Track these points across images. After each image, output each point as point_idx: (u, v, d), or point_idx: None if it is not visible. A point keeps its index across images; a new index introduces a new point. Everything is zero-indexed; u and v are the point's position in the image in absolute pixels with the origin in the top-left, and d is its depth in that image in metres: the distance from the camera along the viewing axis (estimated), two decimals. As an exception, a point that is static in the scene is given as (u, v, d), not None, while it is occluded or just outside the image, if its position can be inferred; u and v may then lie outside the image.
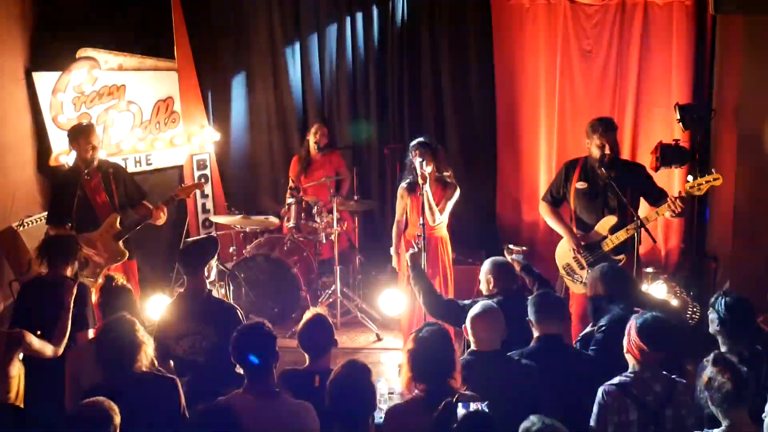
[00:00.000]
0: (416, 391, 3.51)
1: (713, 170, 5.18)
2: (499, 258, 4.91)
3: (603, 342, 4.17)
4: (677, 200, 5.14)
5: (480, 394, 3.40)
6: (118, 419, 3.18)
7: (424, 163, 5.75)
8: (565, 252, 5.61)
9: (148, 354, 3.76)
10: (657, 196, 5.39)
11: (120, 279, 4.65)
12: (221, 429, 3.19)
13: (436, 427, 3.14)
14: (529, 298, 4.21)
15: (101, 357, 3.69)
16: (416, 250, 5.12)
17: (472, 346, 3.90)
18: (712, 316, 3.99)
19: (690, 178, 5.27)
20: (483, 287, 4.84)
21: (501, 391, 3.56)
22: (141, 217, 6.03)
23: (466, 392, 3.50)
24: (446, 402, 3.19)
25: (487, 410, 3.23)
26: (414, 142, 6.01)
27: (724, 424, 3.20)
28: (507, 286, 4.71)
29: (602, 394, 3.52)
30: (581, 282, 5.47)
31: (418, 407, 3.37)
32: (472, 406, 3.26)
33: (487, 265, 4.84)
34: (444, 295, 5.85)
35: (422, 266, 5.07)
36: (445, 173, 6.01)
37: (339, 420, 3.25)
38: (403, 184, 6.11)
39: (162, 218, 6.04)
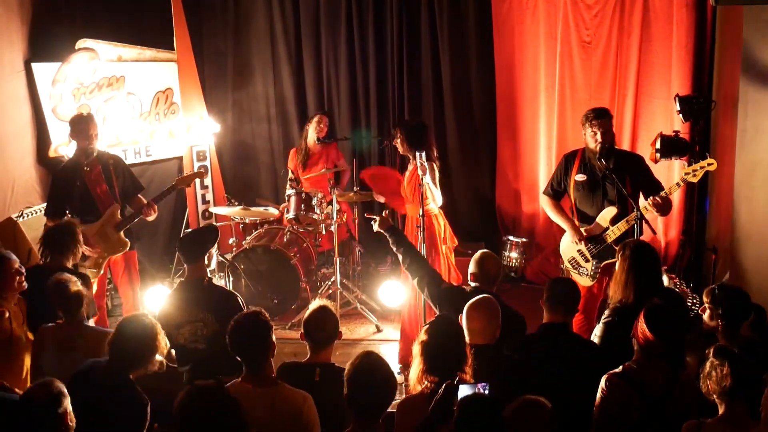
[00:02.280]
0: (426, 382, 3.50)
1: (707, 155, 5.19)
2: (483, 252, 4.81)
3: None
4: (656, 199, 5.16)
5: None
6: (67, 401, 3.16)
7: (422, 154, 5.72)
8: (569, 245, 5.60)
9: (157, 360, 3.78)
10: (652, 189, 5.38)
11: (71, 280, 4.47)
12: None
13: (436, 409, 3.13)
14: (551, 279, 4.19)
15: (114, 350, 3.68)
16: (378, 218, 5.04)
17: (467, 339, 3.89)
18: (710, 310, 4.01)
19: (684, 164, 5.28)
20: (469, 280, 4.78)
21: (494, 386, 3.56)
22: (136, 210, 6.03)
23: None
24: (446, 384, 3.18)
25: (487, 392, 3.22)
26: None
27: (721, 414, 3.21)
28: (483, 281, 4.62)
29: (605, 383, 3.54)
30: (587, 274, 5.47)
31: (430, 399, 3.36)
32: (471, 389, 3.24)
33: (472, 259, 4.78)
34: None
35: (397, 227, 5.07)
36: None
37: (358, 410, 3.23)
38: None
39: (152, 215, 6.04)
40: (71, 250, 4.98)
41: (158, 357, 3.79)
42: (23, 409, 3.14)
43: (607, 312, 4.28)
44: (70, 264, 4.99)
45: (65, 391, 3.18)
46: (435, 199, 5.72)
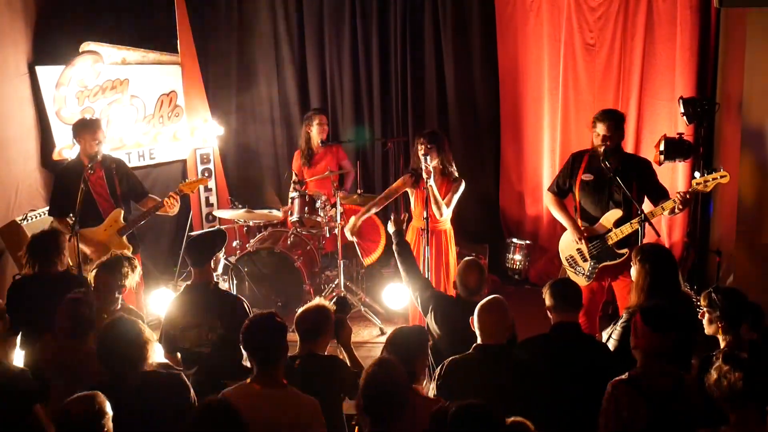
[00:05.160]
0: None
1: (721, 168, 5.13)
2: (468, 261, 4.74)
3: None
4: (684, 195, 5.12)
5: (485, 389, 3.38)
6: (109, 415, 3.13)
7: (429, 157, 5.74)
8: (568, 244, 5.60)
9: (153, 352, 3.75)
10: (658, 194, 5.37)
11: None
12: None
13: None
14: (548, 283, 4.19)
15: (105, 358, 3.62)
16: (399, 216, 5.10)
17: (478, 340, 3.89)
18: (709, 314, 4.00)
19: (697, 174, 5.21)
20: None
21: (505, 386, 3.56)
22: (148, 210, 6.02)
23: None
24: (441, 406, 3.14)
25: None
26: (419, 135, 6.02)
27: (733, 420, 3.18)
28: (463, 292, 4.58)
29: (611, 389, 3.51)
30: (583, 274, 5.47)
31: None
32: None
33: (457, 268, 4.76)
34: (445, 288, 5.87)
35: (404, 234, 5.11)
36: (450, 168, 6.00)
37: (371, 417, 3.24)
38: (409, 172, 6.14)
39: (175, 207, 6.02)
40: (56, 256, 4.95)
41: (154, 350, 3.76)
42: (62, 424, 3.09)
43: (625, 316, 4.27)
44: (60, 269, 4.97)
45: (106, 404, 3.14)
46: (439, 206, 5.75)
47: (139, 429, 3.42)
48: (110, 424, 3.14)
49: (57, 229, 5.23)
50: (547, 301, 4.11)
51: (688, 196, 5.13)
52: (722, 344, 3.95)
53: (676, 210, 5.18)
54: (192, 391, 3.70)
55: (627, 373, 3.55)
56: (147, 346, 3.66)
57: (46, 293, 4.59)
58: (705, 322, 4.04)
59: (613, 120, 5.37)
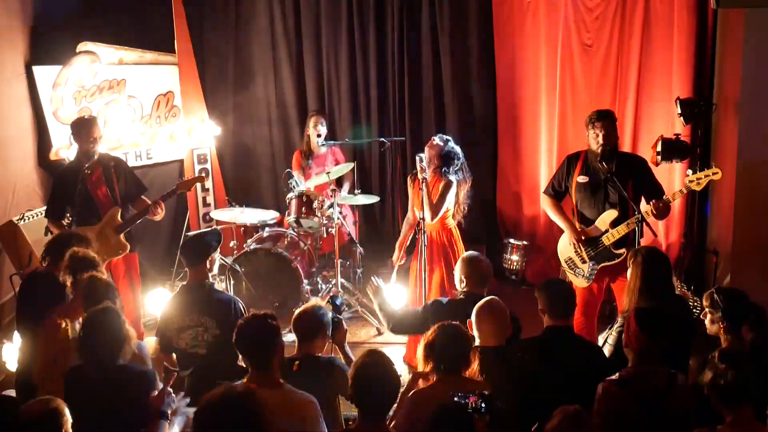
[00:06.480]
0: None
1: (713, 164, 5.18)
2: (473, 253, 4.78)
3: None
4: (657, 204, 5.14)
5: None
6: (68, 419, 3.13)
7: (424, 155, 5.73)
8: (566, 246, 5.61)
9: (131, 347, 3.79)
10: (654, 193, 5.38)
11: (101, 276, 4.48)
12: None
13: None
14: (541, 284, 4.19)
15: (85, 346, 3.68)
16: (377, 285, 4.93)
17: (476, 341, 3.89)
18: (711, 314, 4.00)
19: (689, 172, 5.26)
20: (457, 285, 4.71)
21: (504, 387, 3.56)
22: (140, 211, 6.03)
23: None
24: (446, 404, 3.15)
25: (483, 405, 3.18)
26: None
27: (728, 420, 3.18)
28: (474, 288, 4.58)
29: (602, 390, 3.50)
30: (583, 276, 5.47)
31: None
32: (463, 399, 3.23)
33: (460, 262, 4.72)
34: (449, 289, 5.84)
35: (384, 295, 4.93)
36: (446, 168, 5.95)
37: (363, 408, 3.24)
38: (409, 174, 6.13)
39: (159, 214, 6.03)
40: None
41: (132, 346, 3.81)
42: (19, 429, 3.09)
43: (620, 320, 4.27)
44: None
45: (65, 410, 3.14)
46: (430, 207, 5.66)
47: (100, 419, 3.45)
48: (68, 427, 3.13)
49: (84, 237, 5.16)
50: (540, 303, 4.11)
51: (679, 196, 5.16)
52: (724, 344, 3.96)
53: (653, 214, 5.21)
54: (157, 385, 3.73)
55: (618, 374, 3.54)
56: (126, 342, 3.72)
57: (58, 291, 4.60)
58: (707, 322, 4.06)
59: (611, 120, 5.40)
